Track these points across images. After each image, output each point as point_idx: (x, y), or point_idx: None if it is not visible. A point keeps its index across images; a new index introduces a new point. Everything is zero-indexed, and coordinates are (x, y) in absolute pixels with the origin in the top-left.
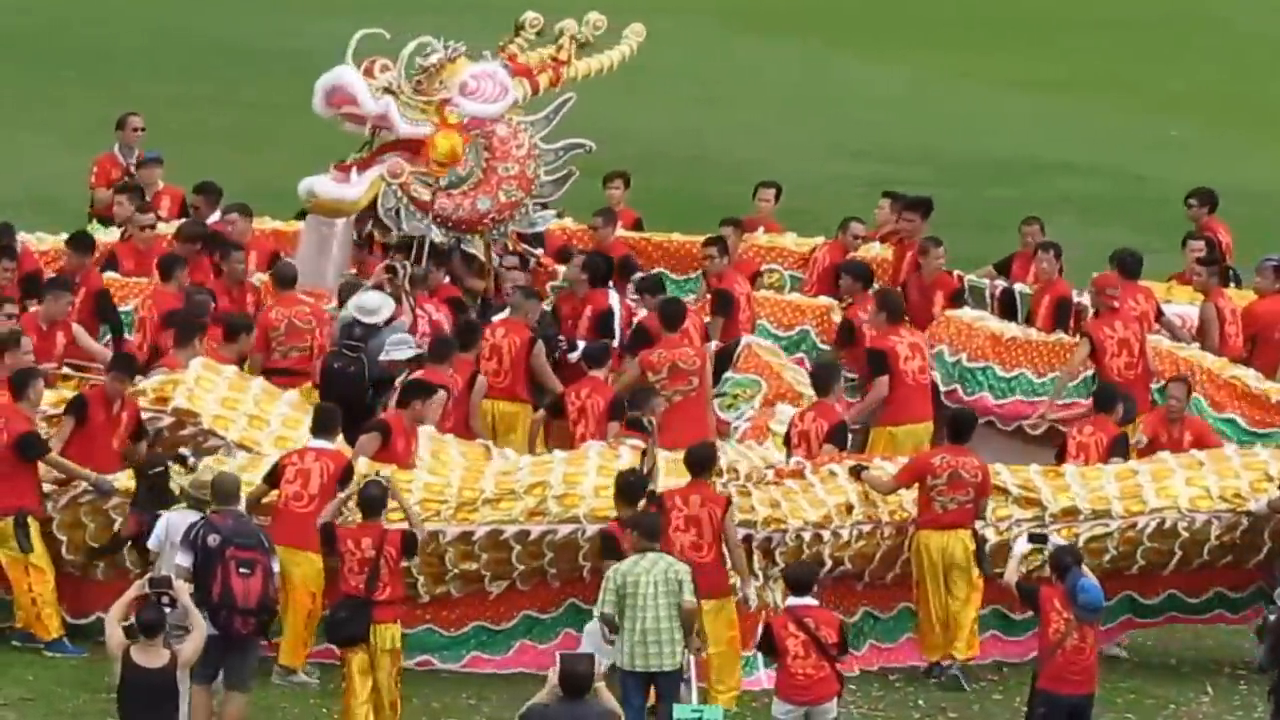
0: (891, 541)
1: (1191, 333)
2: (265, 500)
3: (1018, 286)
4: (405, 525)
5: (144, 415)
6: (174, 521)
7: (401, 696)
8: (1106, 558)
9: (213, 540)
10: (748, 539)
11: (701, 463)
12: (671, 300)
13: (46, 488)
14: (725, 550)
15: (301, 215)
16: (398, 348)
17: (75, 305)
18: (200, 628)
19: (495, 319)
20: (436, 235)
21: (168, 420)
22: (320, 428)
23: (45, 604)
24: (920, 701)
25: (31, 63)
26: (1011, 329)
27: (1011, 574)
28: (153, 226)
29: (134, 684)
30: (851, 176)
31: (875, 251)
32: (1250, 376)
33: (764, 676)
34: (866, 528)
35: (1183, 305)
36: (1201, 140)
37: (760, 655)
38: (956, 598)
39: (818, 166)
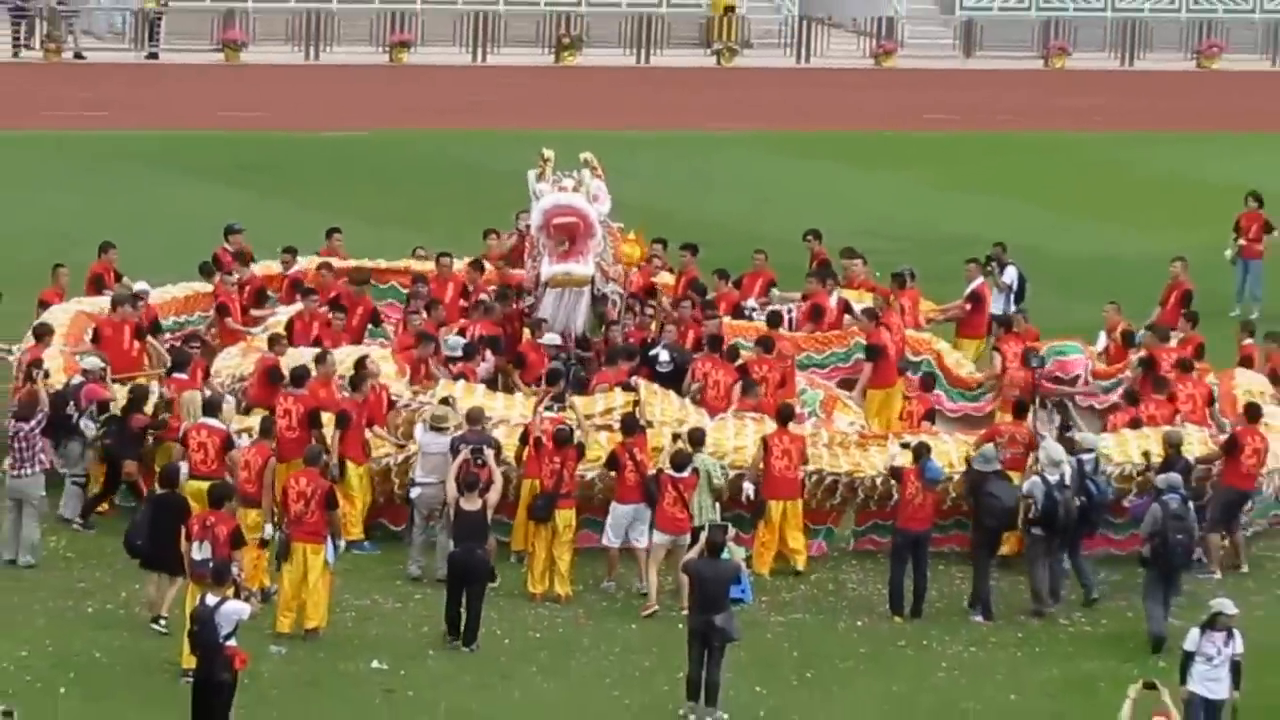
0: None
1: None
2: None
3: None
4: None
5: None
6: (424, 440)
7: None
8: None
9: (460, 447)
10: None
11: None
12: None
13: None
14: None
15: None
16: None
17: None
18: (498, 483)
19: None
20: (620, 292)
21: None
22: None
23: (353, 516)
24: None
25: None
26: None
27: (890, 461)
28: (239, 282)
29: (460, 521)
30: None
31: (667, 280)
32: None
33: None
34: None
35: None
36: None
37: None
38: None
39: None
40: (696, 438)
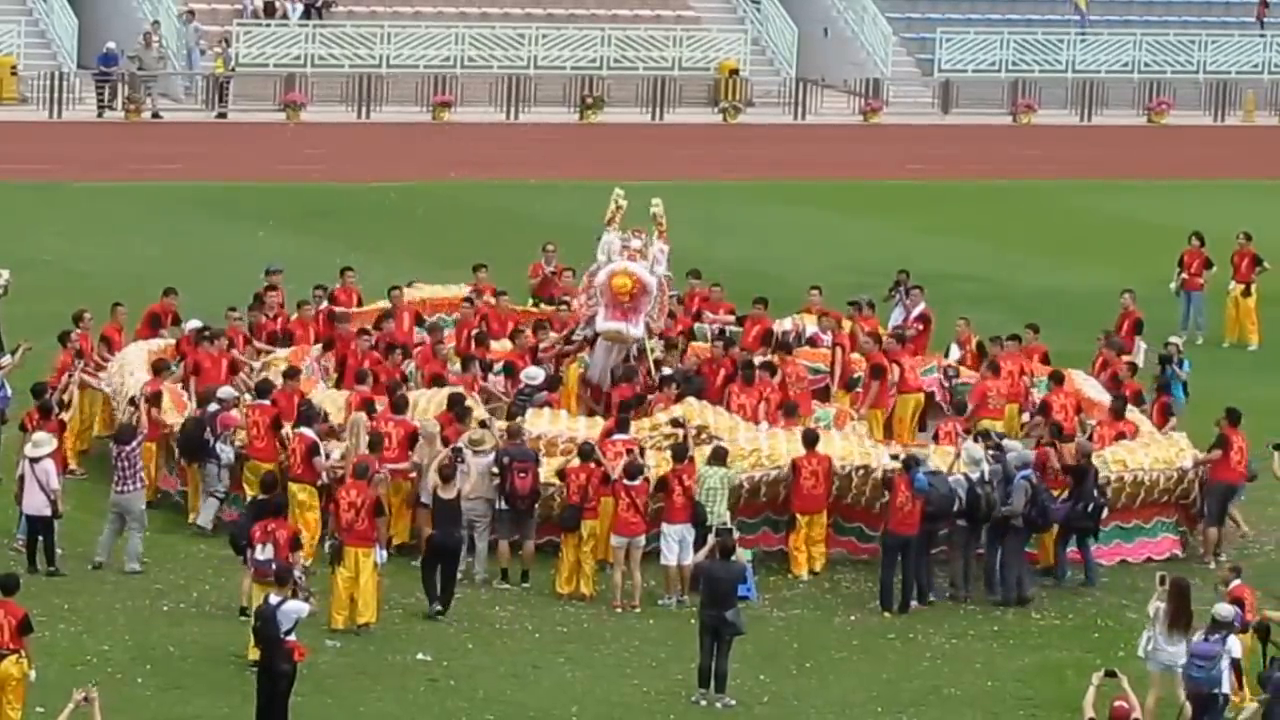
0: None
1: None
2: None
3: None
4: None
5: None
6: (468, 458)
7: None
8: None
9: (505, 460)
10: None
11: None
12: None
13: None
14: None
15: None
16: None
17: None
18: (474, 474)
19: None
20: (660, 347)
21: None
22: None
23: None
24: None
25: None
26: None
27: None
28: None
29: (438, 509)
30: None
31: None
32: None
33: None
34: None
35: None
36: None
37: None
38: None
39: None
40: (720, 455)
